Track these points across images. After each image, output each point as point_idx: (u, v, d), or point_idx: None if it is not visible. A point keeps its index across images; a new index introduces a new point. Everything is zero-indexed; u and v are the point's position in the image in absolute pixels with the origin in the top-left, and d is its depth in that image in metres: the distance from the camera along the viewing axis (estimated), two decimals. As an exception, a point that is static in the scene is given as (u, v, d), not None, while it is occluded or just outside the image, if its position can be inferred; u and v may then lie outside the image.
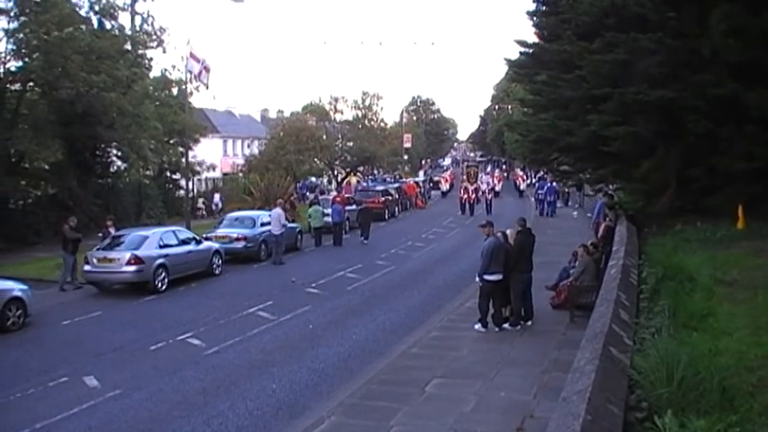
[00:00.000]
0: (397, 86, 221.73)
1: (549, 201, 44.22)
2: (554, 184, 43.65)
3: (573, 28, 23.16)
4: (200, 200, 48.41)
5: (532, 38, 28.52)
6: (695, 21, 20.47)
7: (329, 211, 32.99)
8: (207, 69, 32.48)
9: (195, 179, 45.59)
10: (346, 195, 41.07)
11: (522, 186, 61.39)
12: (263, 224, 27.36)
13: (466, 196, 45.95)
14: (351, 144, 62.05)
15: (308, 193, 50.66)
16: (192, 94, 36.33)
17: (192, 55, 31.41)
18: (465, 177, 48.84)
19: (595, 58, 21.54)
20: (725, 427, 6.14)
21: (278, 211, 27.20)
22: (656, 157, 22.55)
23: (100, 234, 23.73)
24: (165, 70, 37.41)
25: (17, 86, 30.07)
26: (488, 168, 76.57)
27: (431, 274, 23.58)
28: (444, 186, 66.20)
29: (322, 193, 50.31)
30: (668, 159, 22.35)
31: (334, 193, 40.08)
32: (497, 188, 57.37)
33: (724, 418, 6.35)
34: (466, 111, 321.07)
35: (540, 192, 45.88)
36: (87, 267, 21.03)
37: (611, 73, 21.56)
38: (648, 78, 20.69)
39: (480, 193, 48.13)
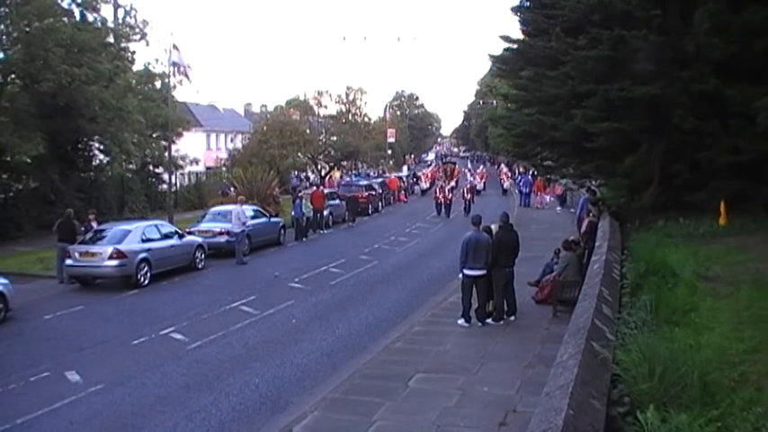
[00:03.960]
0: (381, 81, 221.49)
1: (527, 192, 47.10)
2: (529, 176, 44.98)
3: (559, 24, 23.19)
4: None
5: (517, 34, 28.57)
6: (680, 18, 20.61)
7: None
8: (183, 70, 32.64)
9: (178, 173, 45.40)
10: (327, 191, 40.96)
11: (507, 185, 58.94)
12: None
13: (441, 196, 42.13)
14: (334, 138, 61.91)
15: (300, 186, 50.62)
16: (175, 87, 36.20)
17: (174, 46, 31.39)
18: (441, 175, 46.77)
19: (580, 54, 21.59)
20: (706, 422, 6.18)
21: (238, 208, 26.48)
22: (639, 152, 22.66)
23: (82, 228, 23.56)
24: (149, 64, 37.35)
25: (-2, 79, 29.84)
26: (469, 165, 72.42)
27: (414, 269, 23.60)
28: (424, 184, 62.31)
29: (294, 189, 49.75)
30: (651, 155, 22.46)
31: (314, 188, 39.91)
32: (479, 186, 55.36)
33: (705, 413, 6.39)
34: (450, 106, 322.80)
35: (520, 184, 49.39)
36: (69, 261, 20.92)
37: (596, 69, 21.64)
38: (633, 75, 20.77)
39: (460, 190, 46.02)
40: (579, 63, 21.77)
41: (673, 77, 20.18)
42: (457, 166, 54.83)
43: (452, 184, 46.19)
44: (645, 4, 21.14)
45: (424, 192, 60.05)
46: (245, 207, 27.12)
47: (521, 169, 57.21)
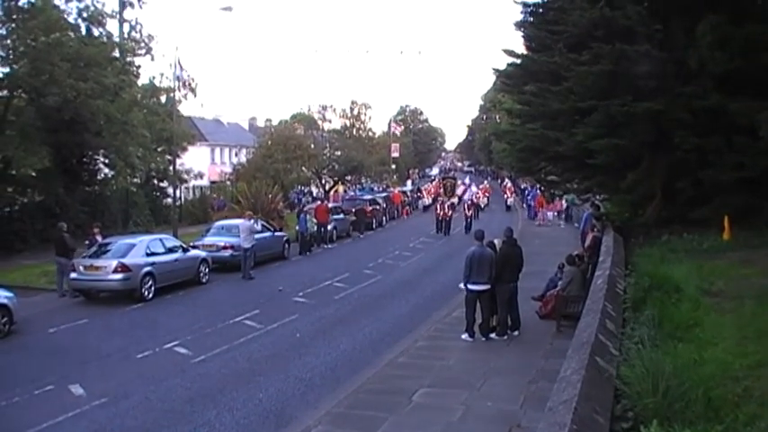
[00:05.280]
0: (386, 96, 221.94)
1: (533, 205, 47.70)
2: (536, 191, 46.11)
3: (562, 39, 23.26)
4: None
5: (521, 48, 28.64)
6: (682, 33, 20.66)
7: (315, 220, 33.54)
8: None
9: (183, 187, 45.49)
10: (331, 205, 41.29)
11: (510, 200, 57.68)
12: (250, 233, 27.18)
13: (442, 213, 40.94)
14: (339, 153, 61.98)
15: (303, 201, 50.88)
16: (180, 102, 36.29)
17: (178, 61, 31.70)
18: (441, 191, 45.29)
19: (582, 69, 21.64)
20: (710, 437, 6.18)
21: (247, 223, 26.28)
22: (641, 169, 22.66)
23: (86, 242, 23.63)
24: (154, 78, 37.42)
25: (4, 93, 29.89)
26: (468, 180, 69.31)
27: (418, 283, 23.59)
28: (427, 199, 59.52)
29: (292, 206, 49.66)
30: (653, 171, 22.46)
31: (317, 203, 39.97)
32: (482, 202, 54.19)
33: (709, 429, 6.40)
34: (454, 120, 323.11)
35: (527, 197, 50.14)
36: (74, 275, 20.95)
37: (597, 85, 21.67)
38: (635, 90, 20.81)
39: (461, 207, 44.92)
40: (581, 78, 21.81)
41: (675, 93, 20.22)
42: (459, 181, 53.31)
43: (454, 200, 44.99)
44: (646, 20, 21.20)
45: (426, 207, 58.44)
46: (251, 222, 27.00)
47: (525, 184, 56.93)
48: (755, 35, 18.23)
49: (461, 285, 15.62)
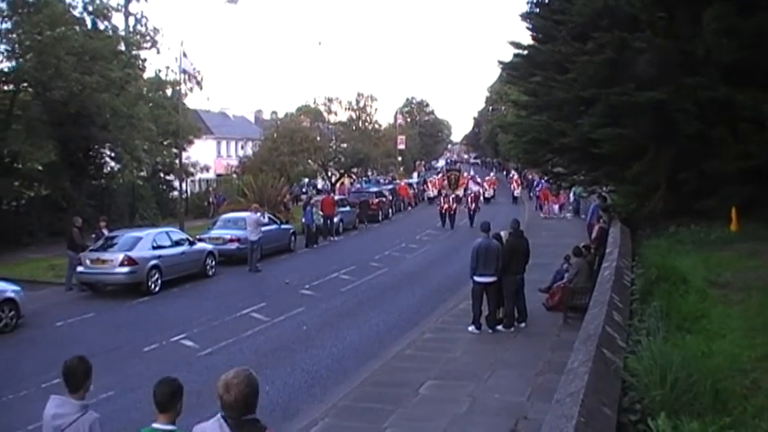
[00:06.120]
0: (392, 88, 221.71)
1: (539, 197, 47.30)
2: (542, 181, 45.50)
3: (567, 29, 23.15)
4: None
5: (526, 39, 28.56)
6: (688, 22, 20.49)
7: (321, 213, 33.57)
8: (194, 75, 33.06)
9: (189, 180, 45.58)
10: (338, 197, 41.36)
11: (517, 192, 57.08)
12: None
13: (446, 206, 40.03)
14: (344, 145, 61.96)
15: (309, 193, 50.93)
16: (186, 95, 36.37)
17: (184, 54, 31.77)
18: (446, 184, 44.60)
19: (583, 59, 21.53)
20: (718, 430, 6.13)
21: (254, 216, 26.24)
22: (645, 159, 22.54)
23: (93, 235, 23.69)
24: (159, 71, 37.51)
25: (10, 87, 29.99)
26: (472, 172, 67.02)
27: (425, 275, 23.57)
28: (432, 191, 56.60)
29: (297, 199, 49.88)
30: (659, 162, 22.33)
31: (324, 195, 39.93)
32: (488, 194, 53.91)
33: (717, 421, 6.35)
34: (460, 112, 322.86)
35: (537, 189, 49.47)
36: (81, 268, 21.02)
37: (599, 74, 21.55)
38: (637, 79, 20.69)
39: (464, 200, 43.73)
40: (583, 67, 21.72)
41: (679, 83, 20.08)
42: (465, 173, 52.25)
43: (458, 192, 44.15)
44: (649, 7, 21.06)
45: (431, 199, 56.41)
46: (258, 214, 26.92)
47: (532, 176, 56.73)
48: (764, 25, 18.04)
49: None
